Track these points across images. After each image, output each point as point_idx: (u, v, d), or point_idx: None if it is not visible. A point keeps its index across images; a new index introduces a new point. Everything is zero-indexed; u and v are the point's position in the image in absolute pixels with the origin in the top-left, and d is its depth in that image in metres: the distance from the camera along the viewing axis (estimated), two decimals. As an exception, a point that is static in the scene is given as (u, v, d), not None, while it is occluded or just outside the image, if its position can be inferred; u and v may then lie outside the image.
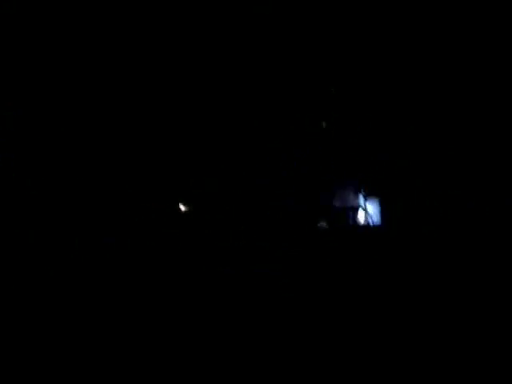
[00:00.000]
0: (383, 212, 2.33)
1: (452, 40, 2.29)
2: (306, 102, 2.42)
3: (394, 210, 2.30)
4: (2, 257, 2.20)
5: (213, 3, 2.37)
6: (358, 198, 2.35)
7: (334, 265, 2.20)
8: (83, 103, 2.39)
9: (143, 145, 2.41)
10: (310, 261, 2.21)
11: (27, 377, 1.92)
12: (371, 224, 2.33)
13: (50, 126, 2.36)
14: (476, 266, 2.12)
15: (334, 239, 2.30)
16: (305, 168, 2.39)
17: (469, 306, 2.03)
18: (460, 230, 2.19)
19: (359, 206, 2.34)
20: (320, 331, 2.05)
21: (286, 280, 2.18)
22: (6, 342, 2.00)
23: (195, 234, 2.33)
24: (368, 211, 2.34)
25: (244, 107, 2.42)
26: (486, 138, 2.26)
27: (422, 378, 1.87)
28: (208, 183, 2.40)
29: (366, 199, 2.35)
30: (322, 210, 2.37)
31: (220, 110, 2.43)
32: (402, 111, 2.35)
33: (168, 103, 2.43)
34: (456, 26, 2.28)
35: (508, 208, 2.17)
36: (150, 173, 2.40)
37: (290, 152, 2.40)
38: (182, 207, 2.40)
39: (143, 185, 2.38)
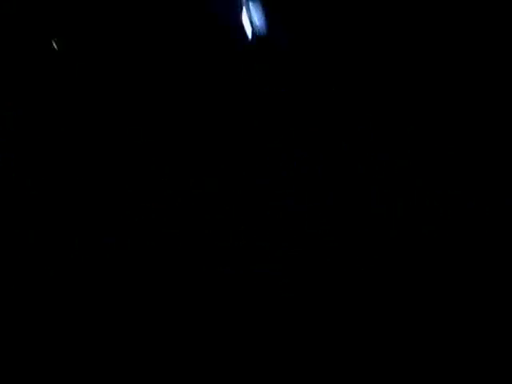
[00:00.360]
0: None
1: (452, 40, 2.29)
2: (305, 101, 2.42)
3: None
4: (2, 257, 2.20)
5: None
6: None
7: (333, 265, 2.20)
8: (83, 103, 2.39)
9: (143, 145, 2.41)
10: (310, 261, 2.21)
11: (27, 377, 1.92)
12: (256, 31, 2.17)
13: (50, 126, 2.36)
14: (476, 266, 2.12)
15: (334, 239, 2.29)
16: (305, 168, 2.39)
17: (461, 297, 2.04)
18: (459, 230, 2.19)
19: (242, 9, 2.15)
20: (320, 331, 2.05)
21: (286, 280, 2.18)
22: (6, 342, 2.00)
23: (195, 234, 2.33)
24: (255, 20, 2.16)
25: (244, 107, 2.42)
26: (486, 138, 2.26)
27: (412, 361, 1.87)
28: (208, 183, 2.40)
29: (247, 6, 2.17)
30: (322, 210, 2.37)
31: (220, 109, 2.43)
32: (401, 111, 2.35)
33: (167, 103, 2.43)
34: (456, 26, 2.28)
35: (508, 208, 2.17)
36: (150, 172, 2.40)
37: (290, 152, 2.40)
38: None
39: (143, 185, 2.38)
